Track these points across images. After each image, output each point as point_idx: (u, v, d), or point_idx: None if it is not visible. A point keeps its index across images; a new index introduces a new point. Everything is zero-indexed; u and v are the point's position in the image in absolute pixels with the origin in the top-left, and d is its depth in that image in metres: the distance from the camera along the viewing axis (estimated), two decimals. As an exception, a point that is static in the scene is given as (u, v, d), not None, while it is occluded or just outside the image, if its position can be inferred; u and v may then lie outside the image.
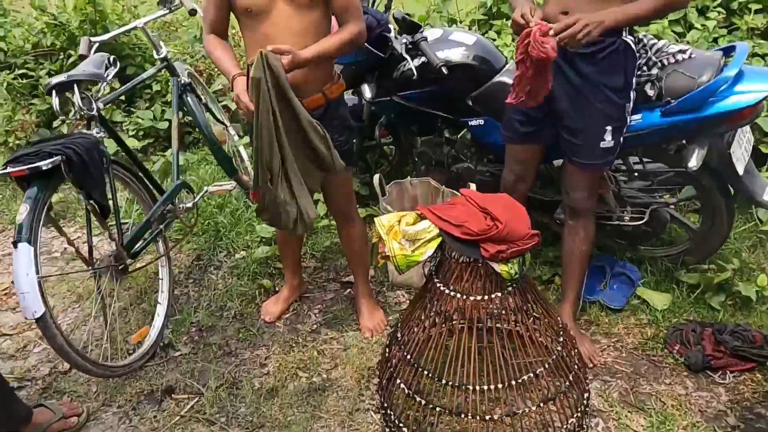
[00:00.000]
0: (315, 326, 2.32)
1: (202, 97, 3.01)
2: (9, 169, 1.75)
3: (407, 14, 2.16)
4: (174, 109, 2.68)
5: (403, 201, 2.57)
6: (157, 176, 3.52)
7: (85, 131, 2.09)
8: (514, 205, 1.59)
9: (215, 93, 3.62)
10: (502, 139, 2.14)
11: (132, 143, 3.62)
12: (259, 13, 1.77)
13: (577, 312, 2.13)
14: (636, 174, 2.25)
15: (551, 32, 1.66)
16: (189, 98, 2.81)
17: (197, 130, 2.93)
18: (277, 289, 2.51)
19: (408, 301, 2.42)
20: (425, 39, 2.15)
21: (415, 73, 2.17)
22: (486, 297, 1.55)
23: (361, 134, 2.71)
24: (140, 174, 2.38)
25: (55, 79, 2.00)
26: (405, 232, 1.54)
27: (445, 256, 1.60)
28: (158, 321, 2.30)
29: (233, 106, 3.75)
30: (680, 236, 2.44)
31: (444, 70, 2.08)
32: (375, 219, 1.65)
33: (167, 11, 2.60)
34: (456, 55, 2.27)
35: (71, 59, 3.84)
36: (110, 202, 2.02)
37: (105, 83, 2.14)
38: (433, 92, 2.33)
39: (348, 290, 2.47)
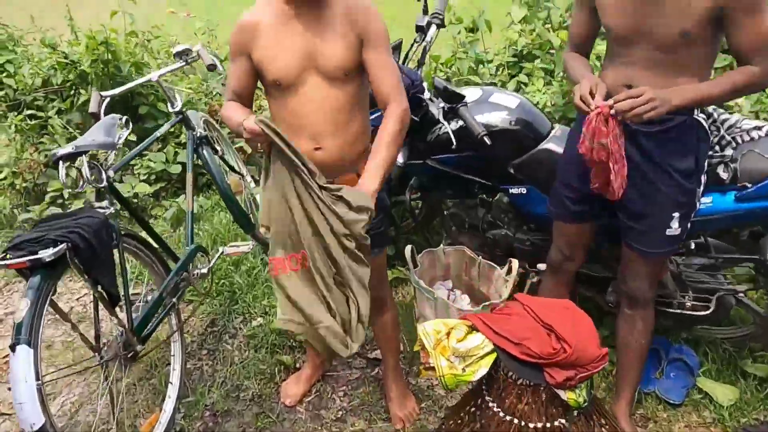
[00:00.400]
0: (340, 413, 2.11)
1: (218, 147, 2.85)
2: (9, 261, 1.57)
3: (447, 79, 1.98)
4: (189, 164, 2.51)
5: (435, 270, 2.37)
6: (168, 224, 3.38)
7: (94, 204, 1.92)
8: (580, 317, 1.39)
9: (229, 135, 3.45)
10: (548, 214, 1.94)
11: (143, 189, 3.46)
12: (289, 86, 1.59)
13: (632, 408, 1.92)
14: (695, 248, 2.04)
15: (611, 103, 1.48)
16: (205, 151, 2.64)
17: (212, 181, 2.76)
18: (298, 365, 2.31)
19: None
20: (465, 104, 1.96)
21: (455, 142, 1.98)
22: (548, 425, 1.35)
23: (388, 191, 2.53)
24: (151, 243, 2.19)
25: (61, 150, 1.83)
26: (456, 350, 1.35)
27: (499, 373, 1.40)
28: (169, 404, 2.11)
29: (249, 149, 3.59)
30: (742, 315, 2.23)
31: (487, 140, 1.89)
32: (418, 326, 1.45)
33: (183, 63, 2.44)
34: (497, 119, 2.08)
35: (82, 98, 3.69)
36: (120, 287, 1.85)
37: (116, 150, 1.97)
38: (471, 157, 2.14)
39: (376, 370, 2.27)
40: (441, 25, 2.27)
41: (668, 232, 1.67)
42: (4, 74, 3.97)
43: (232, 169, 3.01)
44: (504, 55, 3.53)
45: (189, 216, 2.43)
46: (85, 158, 1.84)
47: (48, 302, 1.64)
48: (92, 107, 2.24)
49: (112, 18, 4.06)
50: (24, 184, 3.64)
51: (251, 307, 2.62)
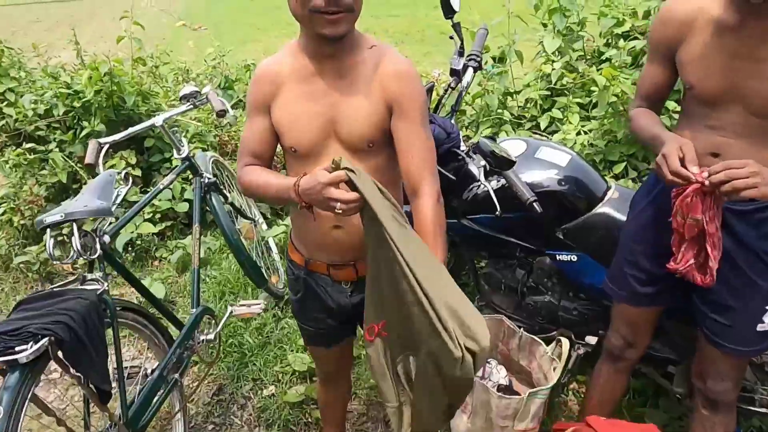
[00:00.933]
0: None
1: (228, 192, 2.62)
2: (-21, 361, 1.33)
3: (492, 137, 1.72)
4: (195, 215, 2.27)
5: (468, 340, 2.11)
6: (172, 269, 3.14)
7: (87, 276, 1.68)
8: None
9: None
10: (607, 292, 1.69)
11: (148, 228, 3.24)
12: (307, 154, 1.35)
13: None
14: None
15: (706, 175, 1.21)
16: (213, 199, 2.42)
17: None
18: (314, 448, 2.06)
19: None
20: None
21: (498, 207, 1.73)
22: None
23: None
24: (151, 314, 1.95)
25: (48, 218, 1.59)
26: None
27: None
28: (169, 498, 1.86)
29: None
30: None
31: (537, 207, 1.64)
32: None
33: (191, 107, 2.21)
34: (545, 179, 1.83)
35: (85, 130, 3.48)
36: (110, 371, 1.60)
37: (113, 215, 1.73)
38: (513, 219, 1.89)
39: (402, 457, 2.01)
40: (478, 68, 2.03)
41: (759, 327, 1.40)
42: (5, 103, 3.78)
43: (242, 214, 2.78)
44: (535, 88, 3.28)
45: (195, 275, 2.19)
46: (75, 227, 1.60)
47: (29, 400, 1.41)
48: (89, 157, 2.02)
49: (118, 43, 3.87)
50: (22, 221, 3.42)
51: (262, 373, 2.37)
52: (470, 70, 2.01)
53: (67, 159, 3.48)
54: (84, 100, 3.40)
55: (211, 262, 3.15)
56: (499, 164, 1.60)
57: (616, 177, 2.75)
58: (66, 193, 3.56)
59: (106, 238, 1.75)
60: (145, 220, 3.29)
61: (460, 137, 1.92)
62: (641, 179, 2.77)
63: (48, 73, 3.65)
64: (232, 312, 2.33)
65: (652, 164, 2.80)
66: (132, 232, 3.22)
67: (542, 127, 3.13)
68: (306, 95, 1.31)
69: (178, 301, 2.91)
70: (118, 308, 1.71)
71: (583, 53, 3.34)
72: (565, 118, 3.09)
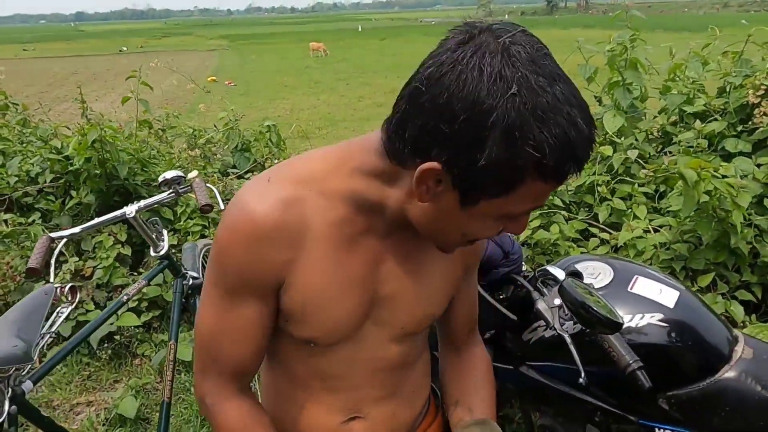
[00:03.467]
0: None
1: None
2: None
3: (578, 273, 1.21)
4: (172, 331, 1.80)
5: None
6: (153, 372, 2.64)
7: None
8: None
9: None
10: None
11: (130, 321, 2.75)
12: (333, 344, 0.85)
13: None
14: None
15: None
16: (198, 303, 1.93)
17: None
18: None
19: None
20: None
21: (584, 374, 1.20)
22: None
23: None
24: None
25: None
26: None
27: None
28: None
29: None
30: None
31: (643, 378, 1.11)
32: None
33: (173, 195, 1.75)
34: (645, 326, 1.30)
35: (72, 201, 3.09)
36: None
37: (35, 359, 1.24)
38: (595, 374, 1.35)
39: None
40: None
41: None
42: (-5, 165, 3.43)
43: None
44: (590, 172, 2.80)
45: (163, 411, 1.69)
46: (-29, 381, 1.12)
47: None
48: (34, 260, 1.55)
49: (123, 104, 3.55)
50: (-9, 301, 2.97)
51: None
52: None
53: (47, 232, 3.06)
54: (74, 168, 3.01)
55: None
56: (597, 326, 1.08)
57: (702, 291, 2.21)
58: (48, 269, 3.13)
59: (27, 385, 1.26)
60: (129, 309, 2.81)
61: (521, 255, 1.42)
62: (733, 295, 2.23)
63: (38, 135, 3.29)
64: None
65: (745, 275, 2.26)
66: (111, 324, 2.73)
67: (601, 219, 2.62)
68: (346, 263, 0.79)
69: (153, 418, 2.38)
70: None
71: (646, 134, 2.87)
72: (629, 211, 2.58)
